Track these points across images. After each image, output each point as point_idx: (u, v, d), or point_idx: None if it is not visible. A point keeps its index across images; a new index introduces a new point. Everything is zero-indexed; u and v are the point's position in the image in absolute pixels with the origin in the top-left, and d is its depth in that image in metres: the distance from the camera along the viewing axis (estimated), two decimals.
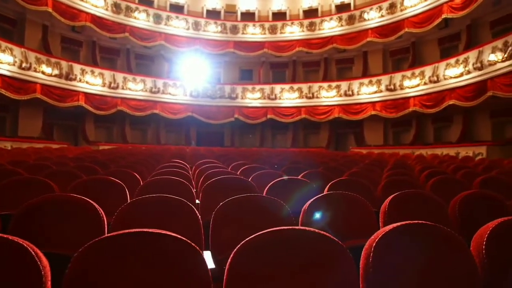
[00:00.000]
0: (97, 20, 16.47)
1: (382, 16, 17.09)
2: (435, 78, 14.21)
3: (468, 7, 12.95)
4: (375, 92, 16.91)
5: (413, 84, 15.33)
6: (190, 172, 4.78)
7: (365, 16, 17.76)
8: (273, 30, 19.97)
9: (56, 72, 14.68)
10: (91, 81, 16.12)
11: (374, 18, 17.41)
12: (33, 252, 1.17)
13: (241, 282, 1.17)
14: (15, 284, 1.13)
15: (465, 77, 12.88)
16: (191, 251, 1.20)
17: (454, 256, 1.36)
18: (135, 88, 17.69)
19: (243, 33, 20.01)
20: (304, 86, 19.02)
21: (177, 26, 19.03)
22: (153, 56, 20.06)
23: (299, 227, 1.29)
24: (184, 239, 1.22)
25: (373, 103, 16.95)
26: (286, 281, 1.19)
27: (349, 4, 19.33)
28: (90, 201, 1.96)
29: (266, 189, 3.02)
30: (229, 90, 19.61)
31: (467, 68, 12.81)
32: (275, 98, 19.31)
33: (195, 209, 2.00)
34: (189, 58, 19.06)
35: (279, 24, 20.03)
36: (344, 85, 18.05)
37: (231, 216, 1.95)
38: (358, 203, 2.20)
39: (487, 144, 12.02)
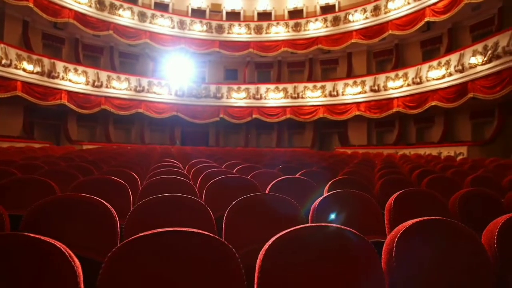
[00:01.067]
0: (81, 17, 16.14)
1: (366, 18, 17.39)
2: (418, 80, 14.56)
3: (450, 11, 13.34)
4: (360, 93, 17.17)
5: (396, 85, 15.65)
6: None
7: (350, 17, 18.03)
8: (258, 30, 20.02)
9: (38, 69, 14.31)
10: (74, 79, 15.78)
11: (358, 20, 17.68)
12: (66, 253, 1.17)
13: (274, 278, 1.21)
14: (52, 285, 1.12)
15: (447, 79, 13.25)
16: (224, 249, 1.23)
17: (469, 249, 1.43)
18: (119, 86, 17.42)
19: (228, 33, 19.99)
20: (290, 86, 19.14)
21: (162, 24, 18.85)
22: (138, 54, 19.80)
23: (326, 224, 1.33)
24: (217, 237, 1.25)
25: (358, 103, 17.21)
26: (318, 275, 1.23)
27: (334, 6, 19.58)
28: (103, 201, 1.94)
29: (268, 188, 3.04)
30: (214, 90, 19.55)
31: (449, 71, 13.18)
32: (260, 98, 19.36)
33: (208, 208, 2.01)
34: (174, 57, 18.90)
35: (264, 24, 20.10)
36: (329, 85, 18.25)
37: (245, 214, 1.97)
38: (365, 201, 2.27)
39: (467, 144, 12.41)
